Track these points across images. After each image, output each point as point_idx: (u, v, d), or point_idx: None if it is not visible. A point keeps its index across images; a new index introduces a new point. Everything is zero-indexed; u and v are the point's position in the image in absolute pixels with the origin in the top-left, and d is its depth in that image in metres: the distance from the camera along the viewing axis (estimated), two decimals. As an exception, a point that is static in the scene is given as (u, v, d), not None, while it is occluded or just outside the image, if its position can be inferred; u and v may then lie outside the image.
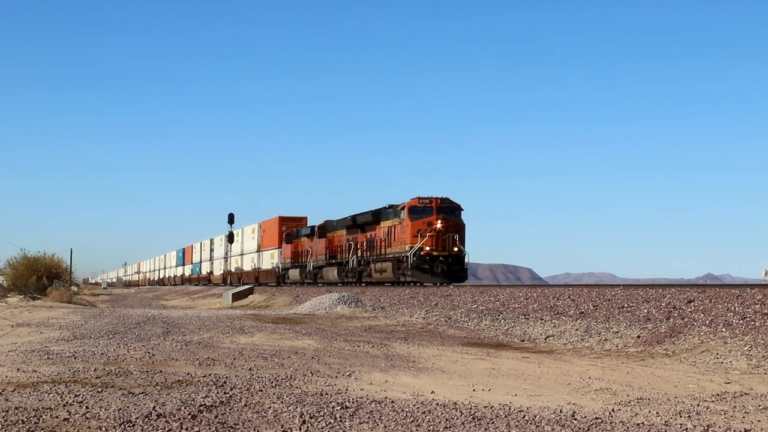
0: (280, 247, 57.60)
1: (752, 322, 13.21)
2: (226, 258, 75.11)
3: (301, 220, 58.89)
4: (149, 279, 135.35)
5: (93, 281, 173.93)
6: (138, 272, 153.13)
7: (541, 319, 17.95)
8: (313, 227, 50.17)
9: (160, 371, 9.94)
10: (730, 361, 11.59)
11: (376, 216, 39.34)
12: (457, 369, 11.14)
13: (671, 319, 14.91)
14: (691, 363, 11.87)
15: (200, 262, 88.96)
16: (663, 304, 16.13)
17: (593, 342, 15.01)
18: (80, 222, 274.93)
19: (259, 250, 64.48)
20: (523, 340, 16.32)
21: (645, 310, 16.08)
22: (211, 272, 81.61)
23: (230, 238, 69.57)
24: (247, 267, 67.95)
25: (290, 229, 56.38)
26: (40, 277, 46.35)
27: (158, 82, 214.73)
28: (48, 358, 11.38)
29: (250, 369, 10.52)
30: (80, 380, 8.99)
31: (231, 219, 67.48)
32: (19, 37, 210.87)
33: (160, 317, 22.80)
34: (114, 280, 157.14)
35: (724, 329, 13.29)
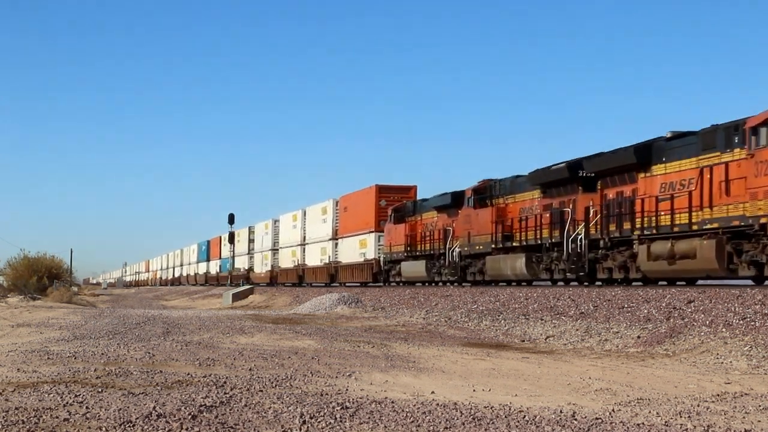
0: (378, 230, 39.86)
1: (752, 323, 13.20)
2: (274, 250, 58.20)
3: (408, 191, 41.34)
4: (161, 278, 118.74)
5: (94, 281, 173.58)
6: (147, 271, 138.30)
7: (541, 320, 17.96)
8: (458, 194, 31.76)
9: (160, 371, 9.95)
10: (730, 362, 11.58)
11: (643, 155, 21.60)
12: (457, 369, 11.14)
13: (671, 320, 14.91)
14: (691, 363, 11.87)
15: (233, 256, 71.69)
16: (663, 305, 16.13)
17: (593, 342, 15.01)
18: (80, 222, 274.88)
19: (335, 238, 46.01)
20: (523, 341, 16.32)
21: (645, 311, 16.08)
22: (251, 269, 64.41)
23: (230, 238, 68.14)
24: (313, 261, 49.35)
25: (396, 203, 39.02)
26: (41, 278, 46.45)
27: (157, 81, 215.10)
28: (48, 358, 11.39)
29: (250, 369, 10.52)
30: (80, 380, 9.00)
31: (231, 219, 65.13)
32: (18, 37, 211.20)
33: (160, 317, 22.81)
34: (115, 280, 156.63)
35: (724, 329, 13.29)
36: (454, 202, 32.05)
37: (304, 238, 51.64)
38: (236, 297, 41.85)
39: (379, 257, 39.31)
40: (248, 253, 66.14)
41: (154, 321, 20.83)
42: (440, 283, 32.72)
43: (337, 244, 45.80)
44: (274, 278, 57.33)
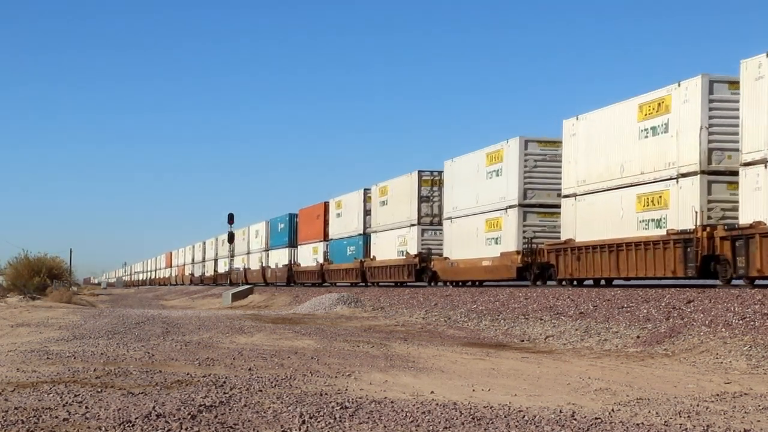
0: None
1: (752, 322, 13.21)
2: (523, 210, 25.98)
3: None
4: (192, 275, 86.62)
5: (96, 281, 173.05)
6: (168, 266, 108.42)
7: (541, 320, 17.95)
8: None
9: (160, 371, 9.95)
10: (730, 361, 11.59)
11: None
12: (457, 369, 11.14)
13: (671, 320, 14.92)
14: (691, 363, 11.87)
15: (364, 232, 40.42)
16: (663, 305, 16.14)
17: (593, 342, 15.01)
18: (80, 222, 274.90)
19: None
20: (523, 341, 16.32)
21: (645, 311, 16.09)
22: (430, 251, 33.67)
23: (230, 238, 67.51)
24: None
25: None
26: (42, 278, 46.52)
27: (157, 80, 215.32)
28: (48, 358, 11.39)
29: (249, 369, 10.53)
30: (80, 380, 9.00)
31: (231, 219, 64.47)
32: (18, 35, 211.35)
33: (159, 317, 22.81)
34: (115, 279, 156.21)
35: (723, 329, 13.30)
36: None
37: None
38: (236, 297, 41.84)
39: None
40: (417, 223, 34.09)
41: (154, 321, 20.83)
42: None
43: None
44: (528, 269, 25.99)
